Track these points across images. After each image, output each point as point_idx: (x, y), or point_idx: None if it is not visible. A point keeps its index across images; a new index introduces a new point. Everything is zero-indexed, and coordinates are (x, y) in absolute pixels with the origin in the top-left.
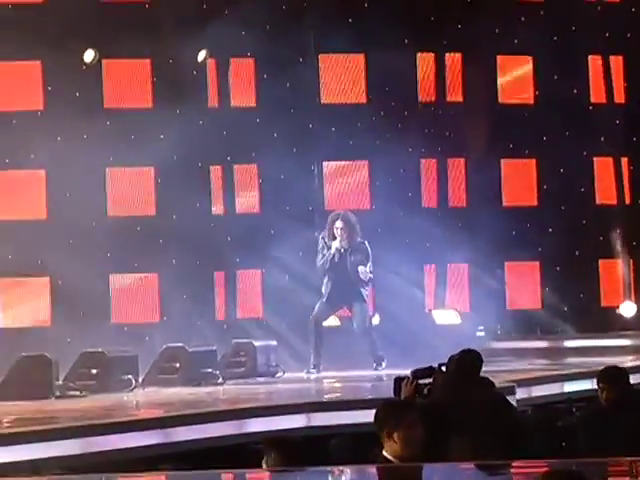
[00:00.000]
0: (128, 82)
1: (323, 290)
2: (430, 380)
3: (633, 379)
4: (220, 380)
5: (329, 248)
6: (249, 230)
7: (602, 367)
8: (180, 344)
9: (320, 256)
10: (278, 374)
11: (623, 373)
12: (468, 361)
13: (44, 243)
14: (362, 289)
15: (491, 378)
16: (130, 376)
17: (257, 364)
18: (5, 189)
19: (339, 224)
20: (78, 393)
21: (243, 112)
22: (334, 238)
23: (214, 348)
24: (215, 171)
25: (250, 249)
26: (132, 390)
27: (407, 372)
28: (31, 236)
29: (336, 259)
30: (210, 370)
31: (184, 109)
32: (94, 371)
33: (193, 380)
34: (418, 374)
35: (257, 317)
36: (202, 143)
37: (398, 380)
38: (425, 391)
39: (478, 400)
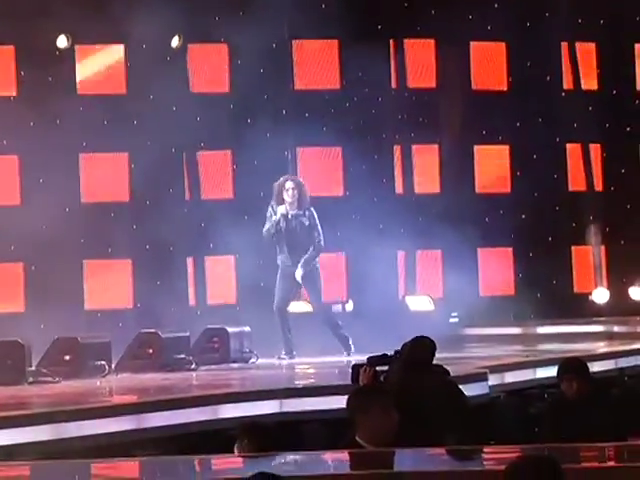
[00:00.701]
0: (102, 68)
1: (279, 262)
2: (386, 368)
3: (604, 365)
4: (193, 366)
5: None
6: (222, 216)
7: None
8: (153, 330)
9: (268, 225)
10: (251, 360)
11: (585, 365)
12: (420, 348)
13: (18, 229)
14: (314, 260)
15: (465, 364)
16: (103, 362)
17: (230, 350)
18: None
19: (289, 184)
20: (51, 379)
21: (217, 98)
22: (282, 203)
23: (187, 334)
24: (189, 157)
25: (223, 235)
26: (105, 376)
27: (364, 359)
28: (5, 222)
29: (282, 225)
30: (183, 356)
31: (157, 95)
32: (67, 357)
33: (166, 366)
34: (374, 361)
35: (230, 303)
36: (176, 129)
37: (356, 367)
38: (381, 378)
39: (429, 386)
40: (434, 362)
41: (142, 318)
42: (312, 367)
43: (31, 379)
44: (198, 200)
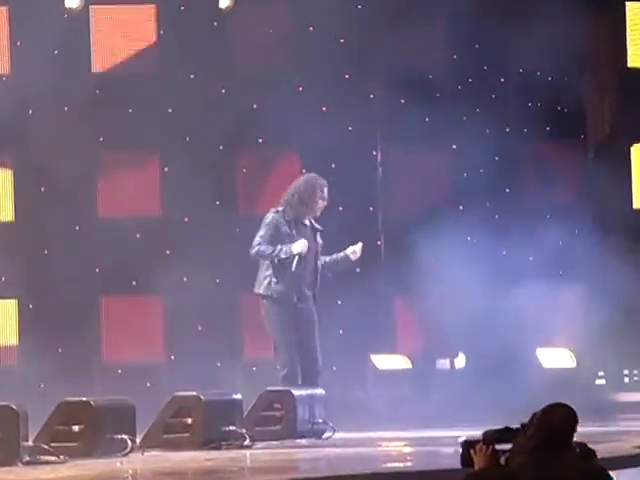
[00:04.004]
0: None
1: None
2: (509, 446)
3: None
4: (247, 442)
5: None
6: None
7: None
8: (193, 392)
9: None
10: (326, 434)
11: None
12: (556, 419)
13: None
14: None
15: (617, 441)
16: (125, 435)
17: (297, 420)
18: None
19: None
20: (54, 458)
21: None
22: (311, 212)
23: (239, 397)
24: None
25: None
26: (127, 454)
27: (479, 433)
28: None
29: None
30: (234, 428)
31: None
32: (76, 428)
33: (210, 441)
34: (493, 437)
35: None
36: None
37: (468, 444)
38: (503, 460)
39: (568, 472)
40: (574, 439)
41: (177, 375)
42: (404, 443)
43: (27, 458)
44: None
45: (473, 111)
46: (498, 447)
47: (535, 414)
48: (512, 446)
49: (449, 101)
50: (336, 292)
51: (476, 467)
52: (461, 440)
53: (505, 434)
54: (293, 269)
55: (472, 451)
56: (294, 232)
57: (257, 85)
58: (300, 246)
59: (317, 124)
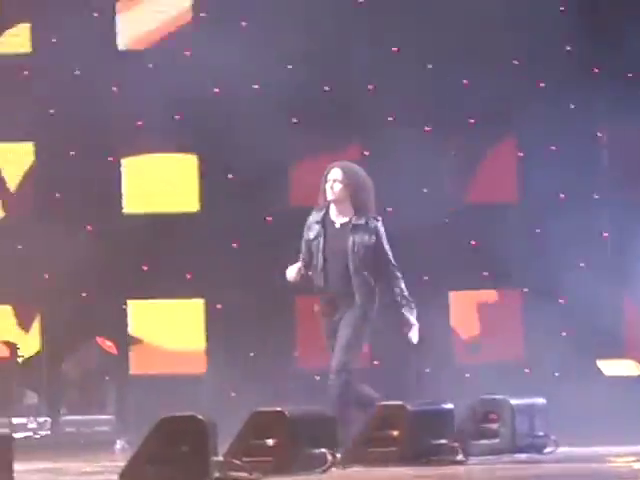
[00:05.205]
0: None
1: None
2: None
3: None
4: (460, 457)
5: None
6: None
7: None
8: (399, 402)
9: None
10: (548, 448)
11: None
12: None
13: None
14: None
15: None
16: (324, 450)
17: (516, 433)
18: None
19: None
20: (246, 475)
21: None
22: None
23: (450, 407)
24: None
25: None
26: (326, 471)
27: None
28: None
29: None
30: (445, 441)
31: None
32: (270, 442)
33: (419, 456)
34: None
35: (508, 359)
36: None
37: None
38: None
39: None
40: None
41: (381, 382)
42: (635, 458)
43: (217, 474)
44: None
45: None
46: None
47: None
48: None
49: None
50: (557, 290)
51: None
52: None
53: None
54: None
55: None
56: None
57: (466, 59)
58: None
59: (535, 102)
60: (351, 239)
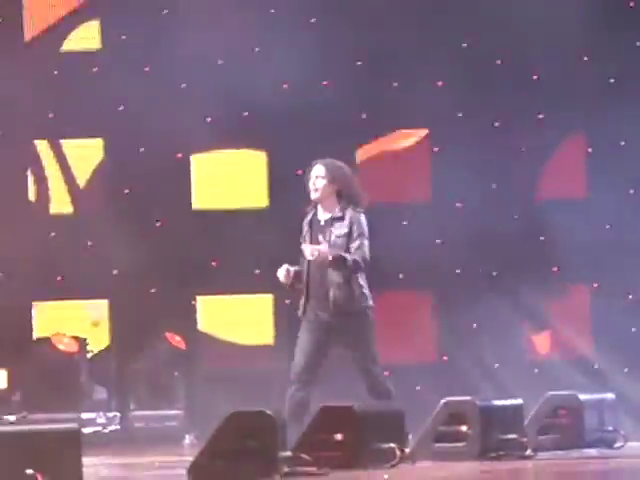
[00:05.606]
0: None
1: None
2: None
3: None
4: (529, 452)
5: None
6: None
7: None
8: (468, 397)
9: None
10: (617, 443)
11: None
12: None
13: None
14: None
15: None
16: (393, 444)
17: (585, 428)
18: None
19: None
20: (315, 469)
21: None
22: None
23: (520, 402)
24: None
25: None
26: (396, 465)
27: None
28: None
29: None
30: (514, 436)
31: None
32: (338, 436)
33: (487, 451)
34: None
35: (584, 353)
36: None
37: None
38: None
39: None
40: None
41: (449, 376)
42: None
43: (286, 469)
44: None
45: None
46: None
47: None
48: None
49: None
50: (627, 285)
51: None
52: None
53: None
54: None
55: None
56: None
57: (535, 55)
58: None
59: (604, 97)
60: (328, 232)
